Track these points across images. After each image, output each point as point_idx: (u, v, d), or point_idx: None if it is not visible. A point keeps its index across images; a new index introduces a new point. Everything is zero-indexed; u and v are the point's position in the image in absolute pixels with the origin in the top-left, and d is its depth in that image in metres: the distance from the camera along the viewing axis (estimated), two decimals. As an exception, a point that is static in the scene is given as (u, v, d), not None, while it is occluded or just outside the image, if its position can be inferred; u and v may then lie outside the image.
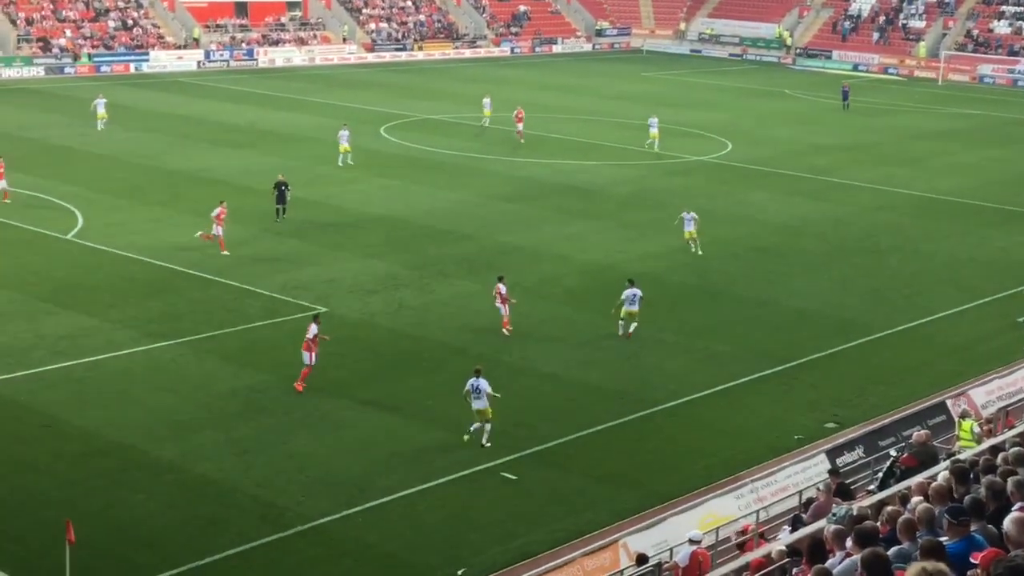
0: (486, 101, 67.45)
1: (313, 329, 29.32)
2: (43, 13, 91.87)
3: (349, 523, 23.11)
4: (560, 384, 30.19)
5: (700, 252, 41.89)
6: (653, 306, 36.51)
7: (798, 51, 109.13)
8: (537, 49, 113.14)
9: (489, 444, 26.29)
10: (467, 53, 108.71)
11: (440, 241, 42.84)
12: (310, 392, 28.83)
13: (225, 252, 39.75)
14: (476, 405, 26.40)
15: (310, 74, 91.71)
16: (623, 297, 33.02)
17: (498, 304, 33.78)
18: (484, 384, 26.42)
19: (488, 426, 26.40)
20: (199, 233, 40.76)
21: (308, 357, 29.08)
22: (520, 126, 62.65)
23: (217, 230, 40.20)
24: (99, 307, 34.39)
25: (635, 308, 32.99)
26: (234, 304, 35.21)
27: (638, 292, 33.04)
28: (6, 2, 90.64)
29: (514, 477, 25.11)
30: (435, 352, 32.11)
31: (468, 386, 26.54)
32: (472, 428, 26.46)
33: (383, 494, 24.12)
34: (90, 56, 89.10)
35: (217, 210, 40.54)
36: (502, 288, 33.70)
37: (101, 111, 62.64)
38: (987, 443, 17.46)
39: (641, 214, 48.19)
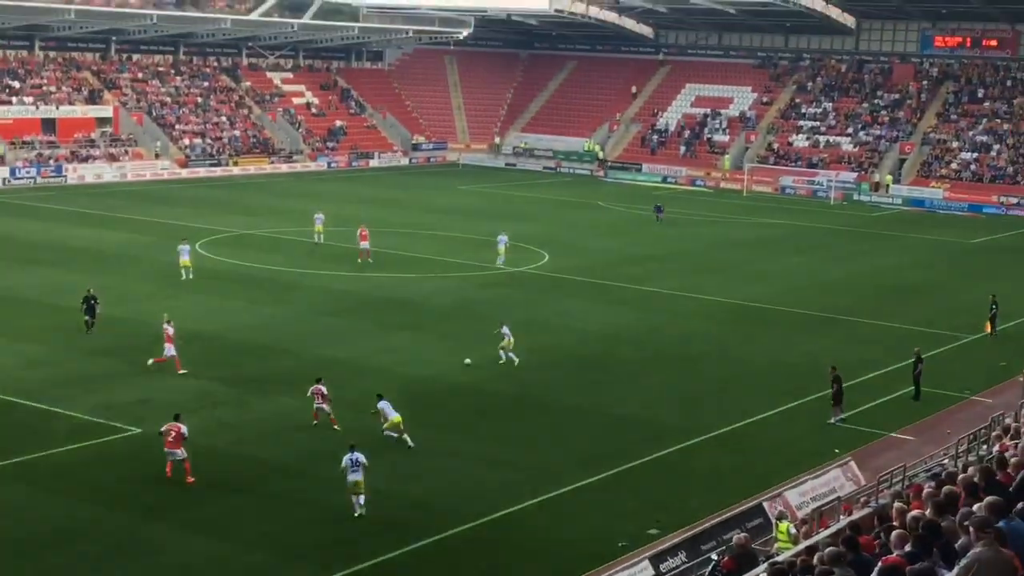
0: (318, 217, 67.35)
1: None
2: None
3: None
4: (381, 498, 29.85)
5: (516, 361, 42.30)
6: (474, 416, 36.68)
7: (609, 164, 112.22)
8: (354, 163, 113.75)
9: (361, 513, 28.20)
10: (284, 168, 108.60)
11: (258, 356, 42.30)
12: (127, 516, 27.90)
13: (182, 372, 39.64)
14: (353, 477, 28.23)
15: (122, 191, 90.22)
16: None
17: (319, 403, 34.78)
18: (360, 456, 28.39)
19: (363, 497, 28.31)
20: (151, 360, 40.04)
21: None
22: (365, 244, 61.89)
23: (170, 350, 39.89)
24: None
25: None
26: (40, 426, 33.98)
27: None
28: None
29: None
30: (255, 471, 31.50)
31: (345, 461, 28.36)
32: (359, 503, 28.28)
33: (203, 620, 23.41)
34: None
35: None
36: (322, 388, 34.89)
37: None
38: (803, 544, 17.94)
39: (461, 325, 48.50)
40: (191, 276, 54.96)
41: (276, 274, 58.16)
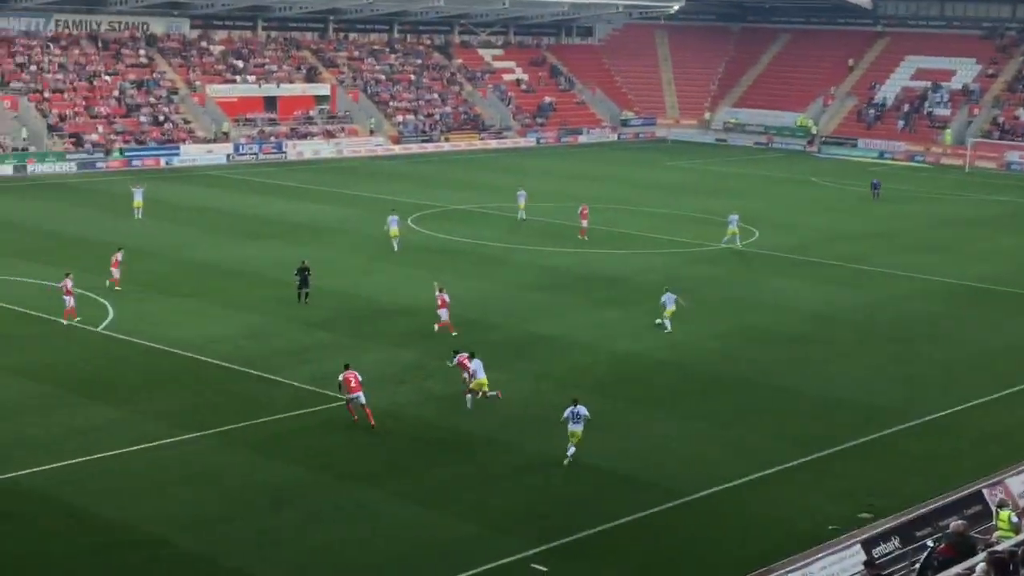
0: (520, 194, 67.91)
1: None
2: (76, 109, 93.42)
3: (379, 616, 22.90)
4: (589, 473, 30.00)
5: (668, 328, 42.98)
6: (680, 393, 36.43)
7: (823, 139, 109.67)
8: (563, 139, 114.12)
9: (567, 462, 30.01)
10: (493, 144, 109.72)
11: (468, 330, 42.91)
12: (343, 483, 28.76)
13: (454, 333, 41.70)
14: (572, 428, 30.25)
15: (338, 166, 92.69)
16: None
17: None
18: (583, 410, 30.34)
19: (574, 449, 30.14)
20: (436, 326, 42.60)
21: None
22: (585, 222, 62.17)
23: (444, 315, 42.71)
24: (128, 399, 34.53)
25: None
26: (262, 395, 35.30)
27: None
28: (39, 99, 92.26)
29: (544, 569, 24.88)
30: (464, 442, 32.03)
31: (567, 413, 30.35)
32: (569, 454, 30.08)
33: (413, 587, 23.96)
34: (122, 151, 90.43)
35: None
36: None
37: (138, 199, 64.50)
38: (1026, 533, 17.23)
39: (669, 302, 48.18)
40: (398, 247, 56.23)
41: (484, 248, 58.87)
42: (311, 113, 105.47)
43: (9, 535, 25.46)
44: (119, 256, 48.46)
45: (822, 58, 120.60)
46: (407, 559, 25.11)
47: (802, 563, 23.99)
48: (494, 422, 33.61)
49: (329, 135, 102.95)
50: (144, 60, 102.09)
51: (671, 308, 43.46)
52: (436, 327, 42.24)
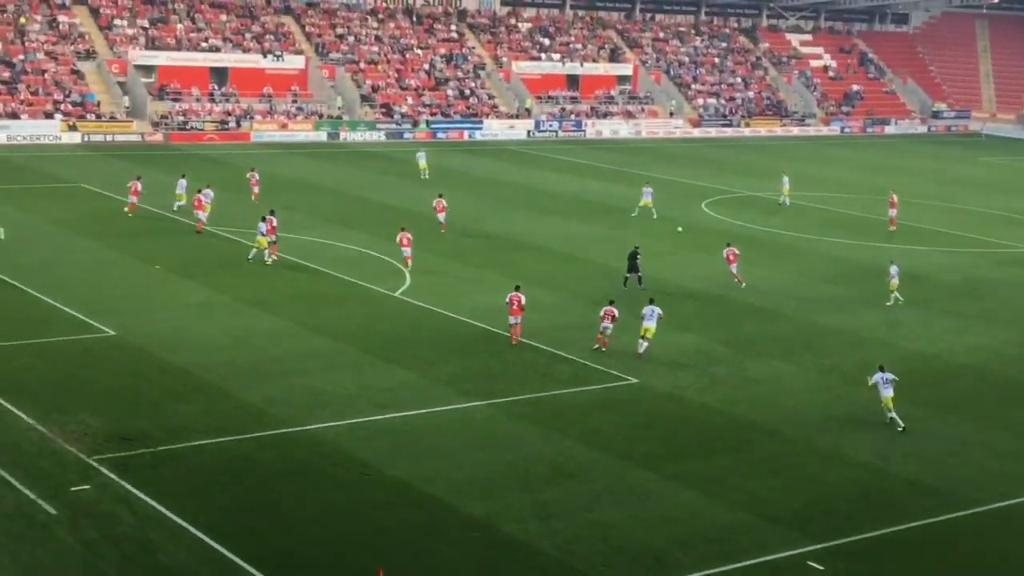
0: (785, 178, 67.39)
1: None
2: (388, 81, 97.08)
3: (647, 597, 22.92)
4: (875, 474, 29.11)
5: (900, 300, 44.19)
6: (980, 401, 34.86)
7: None
8: (868, 129, 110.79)
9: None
10: (795, 131, 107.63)
11: (756, 319, 42.31)
12: (618, 462, 28.91)
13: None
14: (885, 393, 31.94)
15: (635, 147, 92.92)
16: (643, 313, 36.86)
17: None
18: (890, 375, 32.17)
19: (892, 413, 32.06)
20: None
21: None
22: (893, 212, 60.69)
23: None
24: (419, 363, 35.70)
25: (652, 324, 36.74)
26: (546, 368, 35.83)
27: (656, 309, 37.01)
28: (355, 69, 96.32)
29: (821, 568, 24.31)
30: (745, 431, 31.63)
31: (876, 378, 32.34)
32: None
33: (682, 571, 23.83)
34: (428, 122, 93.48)
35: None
36: (614, 310, 37.83)
37: (422, 163, 69.86)
38: None
39: (969, 304, 46.16)
40: (654, 216, 58.76)
41: (777, 237, 57.87)
42: (612, 93, 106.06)
43: (309, 485, 26.79)
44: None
45: None
46: (683, 543, 24.99)
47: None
48: (777, 413, 33.04)
49: (629, 115, 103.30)
50: (455, 35, 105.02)
51: (895, 280, 44.62)
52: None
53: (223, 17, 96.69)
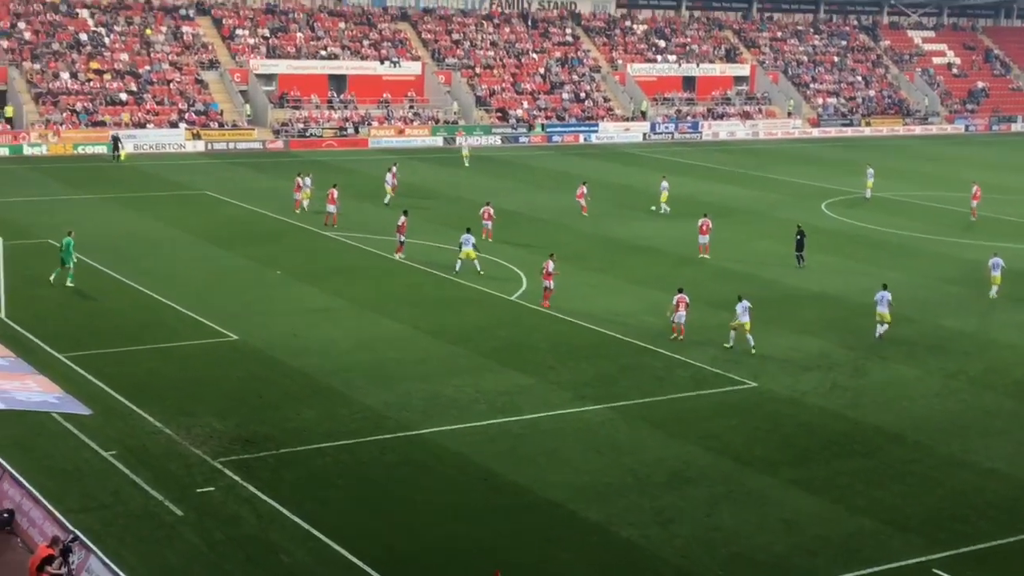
0: (869, 171, 67.65)
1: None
2: (503, 85, 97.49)
3: (768, 605, 22.63)
4: (1004, 481, 28.38)
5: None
6: (1114, 406, 33.89)
7: None
8: (994, 127, 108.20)
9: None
10: (917, 130, 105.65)
11: (878, 321, 41.55)
12: (738, 466, 28.61)
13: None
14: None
15: (753, 148, 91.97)
16: (736, 309, 37.81)
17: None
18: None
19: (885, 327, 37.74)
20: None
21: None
22: (975, 203, 60.12)
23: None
24: (537, 367, 35.74)
25: (747, 319, 37.52)
26: (664, 372, 35.62)
27: (747, 303, 37.70)
28: (470, 74, 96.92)
29: (947, 576, 23.81)
30: (868, 436, 31.07)
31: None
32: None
33: (805, 578, 23.52)
34: (543, 126, 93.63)
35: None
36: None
37: (465, 151, 75.27)
38: None
39: (1104, 306, 44.78)
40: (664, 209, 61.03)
41: (901, 239, 56.81)
42: (729, 94, 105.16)
43: (428, 488, 27.00)
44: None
45: None
46: (805, 549, 24.64)
47: None
48: (902, 418, 32.40)
49: (746, 116, 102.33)
50: (570, 39, 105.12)
51: (996, 274, 45.19)
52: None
53: (341, 25, 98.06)
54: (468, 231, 47.50)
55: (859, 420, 32.16)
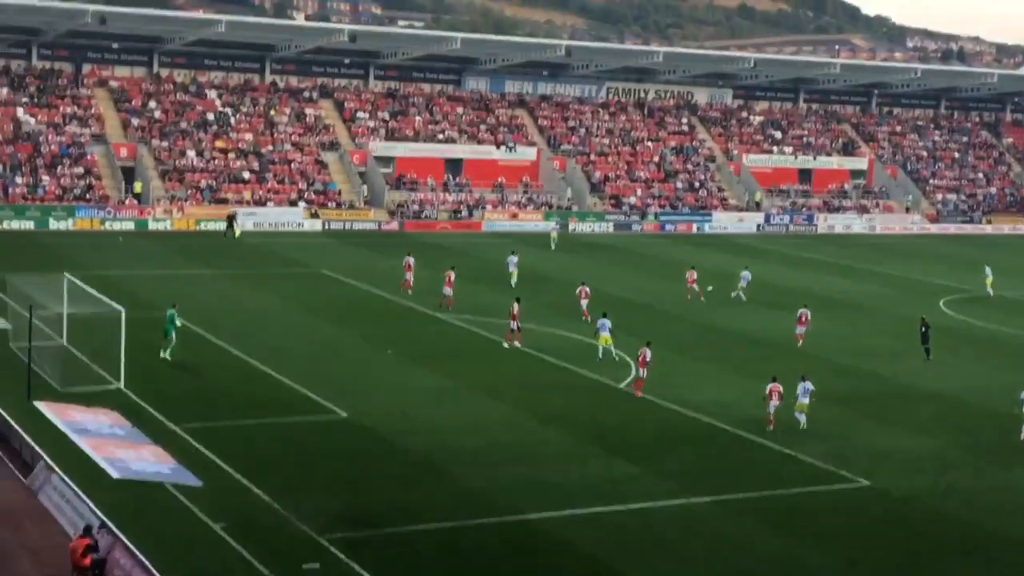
0: (987, 270, 67.00)
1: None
2: (617, 172, 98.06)
3: None
4: None
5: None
6: None
7: None
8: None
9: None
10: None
11: (998, 424, 40.51)
12: (848, 567, 27.96)
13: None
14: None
15: (869, 242, 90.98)
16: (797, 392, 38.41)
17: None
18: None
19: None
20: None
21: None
22: None
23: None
24: (643, 456, 35.44)
25: (806, 400, 38.44)
26: (774, 467, 35.08)
27: (810, 386, 38.54)
28: (585, 161, 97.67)
29: None
30: (984, 542, 30.17)
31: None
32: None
33: None
34: (656, 215, 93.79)
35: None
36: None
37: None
38: None
39: None
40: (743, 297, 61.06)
41: (1021, 339, 55.55)
42: (846, 187, 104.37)
43: (529, 573, 26.85)
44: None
45: None
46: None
47: None
48: (1022, 525, 31.43)
49: (863, 210, 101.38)
50: (685, 128, 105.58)
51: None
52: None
53: (459, 110, 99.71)
54: (604, 315, 47.57)
55: (976, 524, 31.27)
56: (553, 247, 78.72)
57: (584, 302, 54.19)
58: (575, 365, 45.94)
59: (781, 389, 38.59)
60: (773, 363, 47.84)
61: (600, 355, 46.47)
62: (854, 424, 39.91)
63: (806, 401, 38.65)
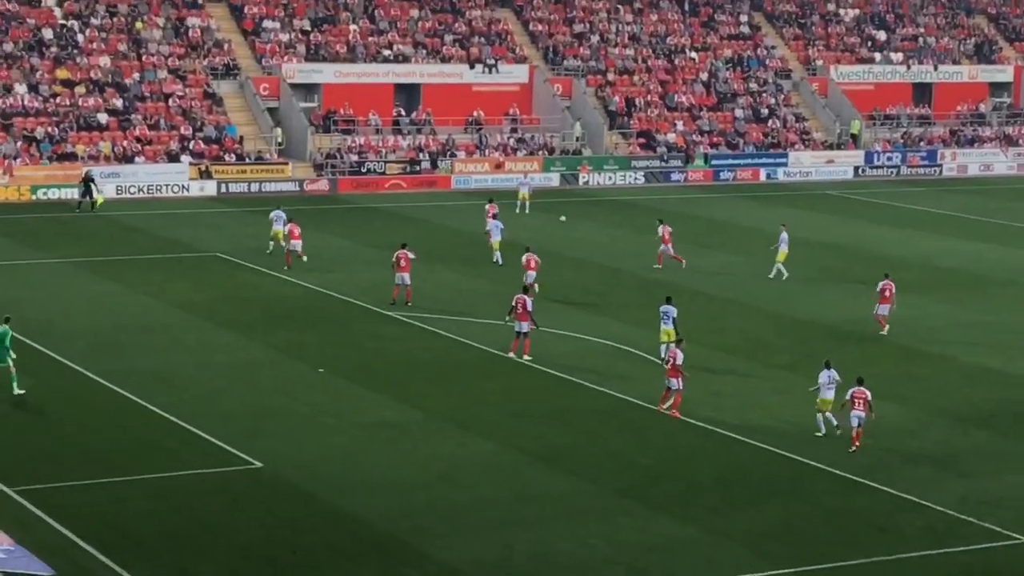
0: None
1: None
2: (649, 98, 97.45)
3: None
4: None
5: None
6: None
7: None
8: None
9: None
10: None
11: None
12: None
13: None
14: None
15: (1017, 188, 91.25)
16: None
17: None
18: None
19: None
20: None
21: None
22: None
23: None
24: (698, 511, 35.51)
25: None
26: (887, 519, 35.26)
27: (835, 375, 40.62)
28: (600, 82, 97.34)
29: None
30: None
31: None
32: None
33: None
34: (707, 158, 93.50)
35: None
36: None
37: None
38: None
39: None
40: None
41: None
42: (982, 109, 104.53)
43: None
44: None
45: None
46: None
47: None
48: None
49: (1009, 141, 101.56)
50: (746, 29, 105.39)
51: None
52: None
53: (413, 13, 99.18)
54: (668, 300, 48.24)
55: None
56: (527, 210, 78.56)
57: (531, 274, 55.74)
58: (589, 379, 46.00)
59: (868, 396, 39.19)
60: (882, 367, 48.02)
61: (663, 355, 46.10)
62: (992, 451, 40.14)
63: (830, 396, 39.83)
